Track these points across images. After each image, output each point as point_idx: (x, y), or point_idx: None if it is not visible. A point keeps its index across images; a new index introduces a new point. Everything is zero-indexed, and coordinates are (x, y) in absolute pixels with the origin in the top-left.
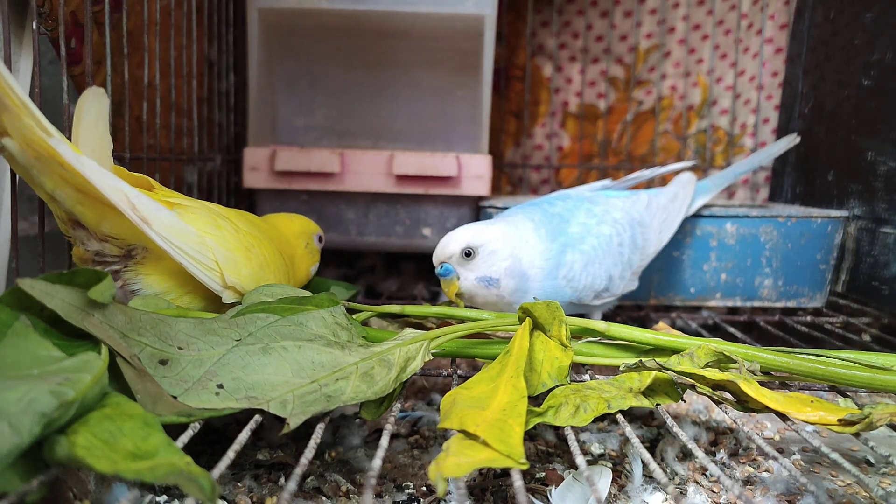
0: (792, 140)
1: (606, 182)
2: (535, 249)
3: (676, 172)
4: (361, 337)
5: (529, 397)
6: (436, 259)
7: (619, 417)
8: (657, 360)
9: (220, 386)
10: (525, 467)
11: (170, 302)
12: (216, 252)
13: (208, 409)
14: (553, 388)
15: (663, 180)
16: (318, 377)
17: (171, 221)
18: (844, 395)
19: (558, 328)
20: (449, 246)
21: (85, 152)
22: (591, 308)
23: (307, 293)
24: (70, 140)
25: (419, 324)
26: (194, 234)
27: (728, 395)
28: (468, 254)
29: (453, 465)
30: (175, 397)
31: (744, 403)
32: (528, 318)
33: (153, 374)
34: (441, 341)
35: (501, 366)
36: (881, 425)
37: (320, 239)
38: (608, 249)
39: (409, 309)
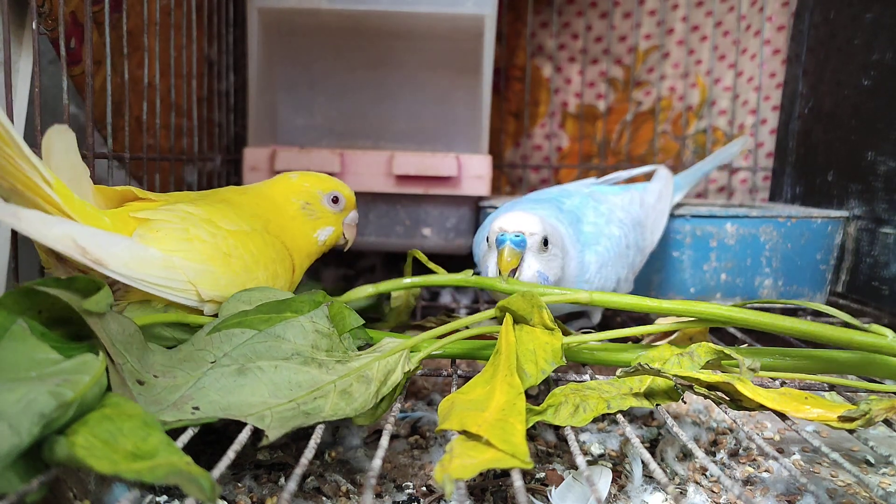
0: (745, 141)
1: (592, 180)
2: (572, 258)
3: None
4: (343, 343)
5: (529, 396)
6: (510, 226)
7: (619, 417)
8: (656, 363)
9: (196, 408)
10: (530, 467)
11: (167, 306)
12: (186, 271)
13: (184, 420)
14: (553, 379)
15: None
16: (295, 397)
17: (128, 255)
18: (843, 395)
19: (539, 314)
20: (533, 224)
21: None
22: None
23: (288, 295)
24: None
25: (419, 325)
26: (158, 259)
27: (725, 396)
28: (546, 243)
29: (459, 466)
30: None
31: (738, 402)
32: (506, 314)
33: (131, 388)
34: (429, 351)
35: (494, 367)
36: (880, 420)
37: (335, 199)
38: (619, 252)
39: (383, 285)
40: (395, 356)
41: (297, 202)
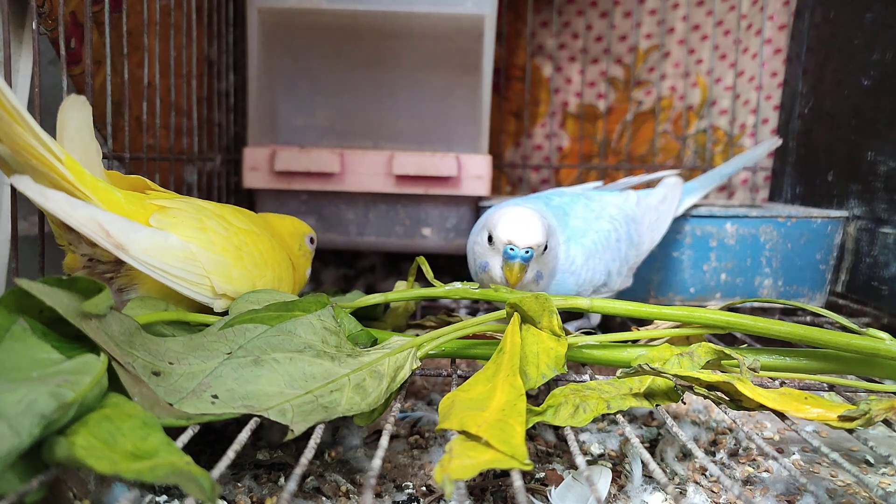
0: (774, 143)
1: (598, 184)
2: (557, 250)
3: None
4: (349, 340)
5: (529, 396)
6: (520, 240)
7: (619, 417)
8: (656, 363)
9: (216, 396)
10: (529, 468)
11: (167, 304)
12: (203, 260)
13: (207, 414)
14: (553, 379)
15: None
16: (311, 388)
17: (149, 242)
18: (842, 395)
19: (549, 319)
20: (538, 234)
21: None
22: None
23: (294, 297)
24: None
25: (419, 323)
26: (177, 247)
27: (724, 396)
28: (546, 247)
29: (458, 467)
30: (171, 404)
31: (738, 402)
32: (515, 312)
33: (148, 382)
34: (432, 346)
35: (496, 365)
36: (879, 420)
37: (312, 240)
38: (607, 244)
39: (392, 295)
40: (403, 353)
41: (297, 242)
